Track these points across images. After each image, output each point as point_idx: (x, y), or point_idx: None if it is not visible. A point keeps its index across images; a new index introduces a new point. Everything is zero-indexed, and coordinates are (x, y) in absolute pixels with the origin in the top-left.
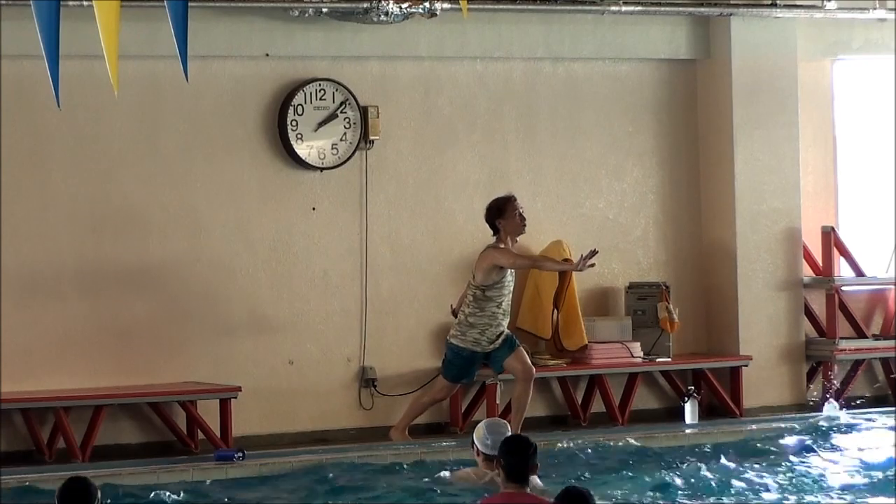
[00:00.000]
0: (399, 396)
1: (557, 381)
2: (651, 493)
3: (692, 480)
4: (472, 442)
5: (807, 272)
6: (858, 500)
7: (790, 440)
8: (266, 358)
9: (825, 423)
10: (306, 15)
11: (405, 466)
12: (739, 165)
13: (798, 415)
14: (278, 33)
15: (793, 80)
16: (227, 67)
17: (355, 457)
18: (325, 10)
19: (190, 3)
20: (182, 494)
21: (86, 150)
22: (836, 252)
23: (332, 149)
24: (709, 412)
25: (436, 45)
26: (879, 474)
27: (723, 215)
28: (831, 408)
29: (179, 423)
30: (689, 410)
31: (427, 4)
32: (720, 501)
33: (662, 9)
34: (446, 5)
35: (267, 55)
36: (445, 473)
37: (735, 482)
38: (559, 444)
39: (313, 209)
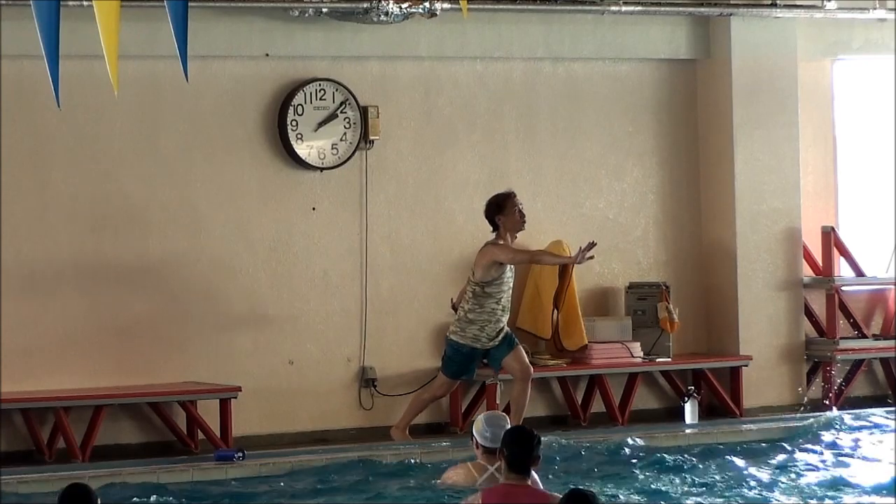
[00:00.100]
0: (399, 396)
1: (557, 381)
2: (651, 493)
3: (692, 480)
4: (472, 435)
5: (807, 272)
6: (858, 500)
7: (790, 440)
8: (266, 358)
9: (825, 423)
10: (306, 15)
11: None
12: (739, 165)
13: (798, 414)
14: (278, 33)
15: (793, 80)
16: (227, 67)
17: (355, 457)
18: (325, 10)
19: (190, 3)
20: (182, 494)
21: (86, 150)
22: (836, 252)
23: (332, 149)
24: (709, 412)
25: (436, 45)
26: (879, 474)
27: (723, 215)
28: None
29: (179, 423)
30: (689, 410)
31: (427, 4)
32: (720, 501)
33: (662, 9)
34: (446, 5)
35: (267, 55)
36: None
37: (735, 482)
38: (553, 445)
39: (313, 209)
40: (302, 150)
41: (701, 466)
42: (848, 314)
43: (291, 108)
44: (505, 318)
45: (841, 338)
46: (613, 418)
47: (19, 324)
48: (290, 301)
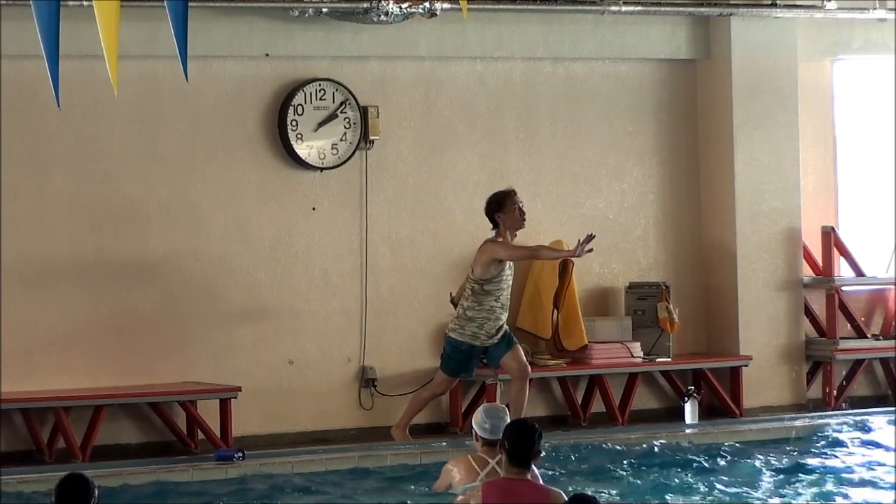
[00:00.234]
0: (399, 396)
1: (557, 381)
2: (651, 493)
3: (692, 480)
4: (472, 428)
5: (807, 272)
6: (858, 500)
7: (790, 440)
8: (266, 358)
9: (825, 423)
10: (306, 15)
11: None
12: (739, 165)
13: (798, 414)
14: (278, 33)
15: (793, 80)
16: (227, 67)
17: (355, 457)
18: (325, 10)
19: (190, 3)
20: (182, 494)
21: (86, 150)
22: (836, 252)
23: (332, 149)
24: (709, 412)
25: (436, 45)
26: (879, 474)
27: (723, 215)
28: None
29: (179, 423)
30: (689, 410)
31: (427, 4)
32: (720, 502)
33: (662, 9)
34: (446, 5)
35: (267, 55)
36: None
37: (735, 482)
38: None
39: (313, 209)
40: (302, 150)
41: (701, 466)
42: (848, 314)
43: (291, 108)
44: (504, 316)
45: (841, 338)
46: (613, 418)
47: (19, 323)
48: (290, 301)
